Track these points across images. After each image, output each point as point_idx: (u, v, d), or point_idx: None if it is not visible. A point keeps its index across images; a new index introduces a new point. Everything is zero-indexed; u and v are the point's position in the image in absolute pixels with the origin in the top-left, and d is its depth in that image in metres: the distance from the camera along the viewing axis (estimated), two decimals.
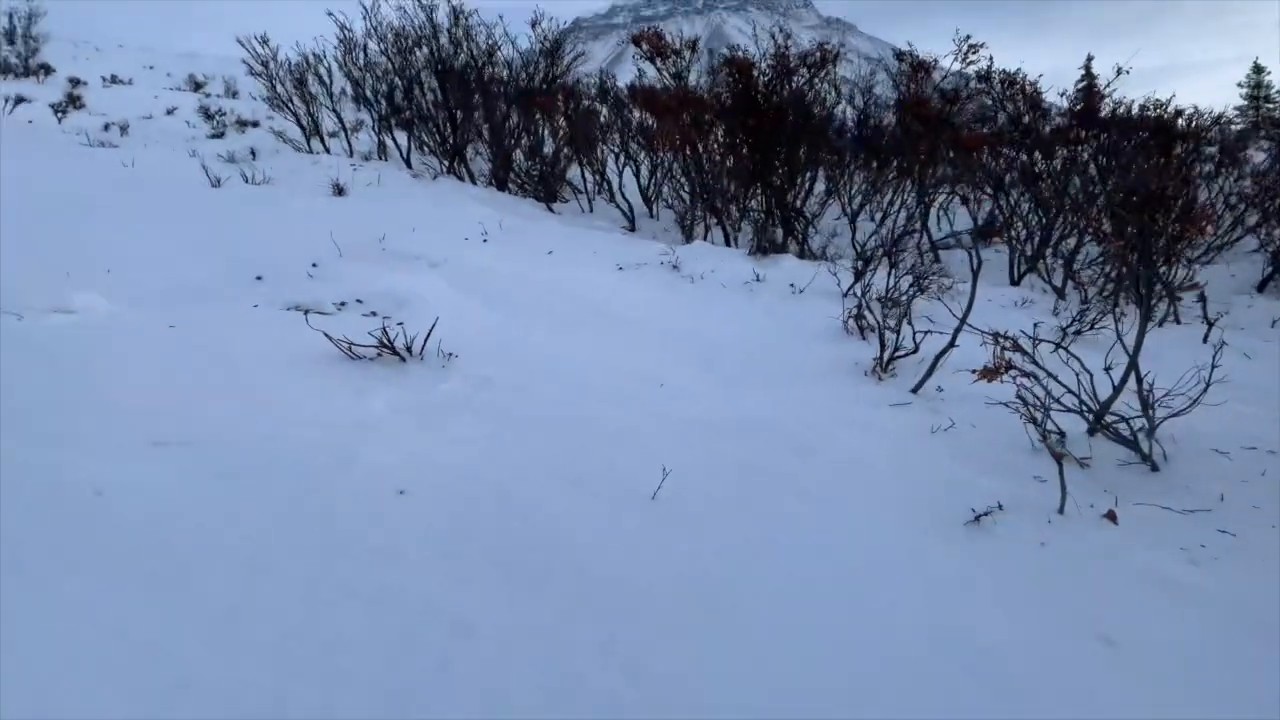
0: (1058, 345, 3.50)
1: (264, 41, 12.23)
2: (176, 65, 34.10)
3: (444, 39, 11.71)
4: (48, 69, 20.29)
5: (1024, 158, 8.57)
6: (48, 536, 2.23)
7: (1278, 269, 7.82)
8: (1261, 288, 7.88)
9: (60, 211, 6.06)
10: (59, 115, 11.84)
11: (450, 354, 3.85)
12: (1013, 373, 3.26)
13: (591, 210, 10.58)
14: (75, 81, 18.35)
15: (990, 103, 9.36)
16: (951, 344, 4.02)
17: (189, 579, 2.17)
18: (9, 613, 1.95)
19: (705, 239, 8.79)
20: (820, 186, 10.06)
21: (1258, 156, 11.91)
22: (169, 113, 16.32)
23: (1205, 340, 5.50)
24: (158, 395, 3.20)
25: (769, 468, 3.13)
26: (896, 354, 4.36)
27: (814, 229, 8.92)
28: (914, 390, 4.08)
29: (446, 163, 11.75)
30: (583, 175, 10.90)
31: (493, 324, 4.57)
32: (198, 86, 24.99)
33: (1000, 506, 2.97)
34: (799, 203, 8.91)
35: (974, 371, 3.24)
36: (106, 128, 11.58)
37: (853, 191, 10.32)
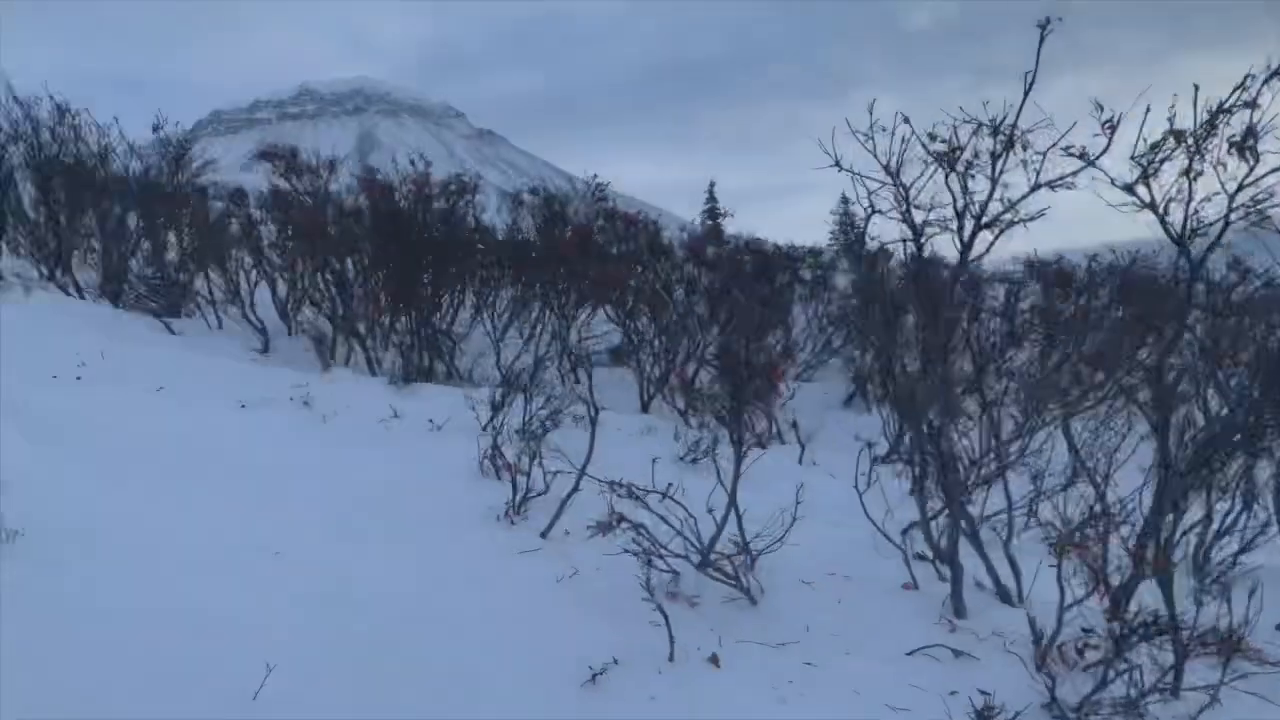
0: (664, 495, 3.74)
1: None
2: None
3: (46, 136, 10.46)
4: None
5: (649, 287, 9.28)
6: None
7: (858, 388, 9.10)
8: (847, 403, 9.11)
9: None
10: None
11: (15, 532, 3.29)
12: (624, 525, 3.41)
13: (221, 327, 9.82)
14: None
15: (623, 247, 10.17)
16: (575, 488, 4.17)
17: None
18: None
19: (348, 364, 8.49)
20: (470, 299, 10.12)
21: (843, 281, 13.82)
22: None
23: (800, 461, 6.20)
24: None
25: (391, 644, 3.01)
26: (529, 495, 4.43)
27: (461, 350, 8.95)
28: (543, 534, 4.15)
29: (48, 270, 10.36)
30: (210, 287, 10.11)
31: (79, 488, 4.01)
32: None
33: (615, 661, 3.06)
34: (447, 324, 8.92)
35: (589, 526, 3.36)
36: None
37: (500, 309, 10.52)
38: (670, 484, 3.85)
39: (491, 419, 5.88)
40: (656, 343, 8.69)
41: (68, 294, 10.04)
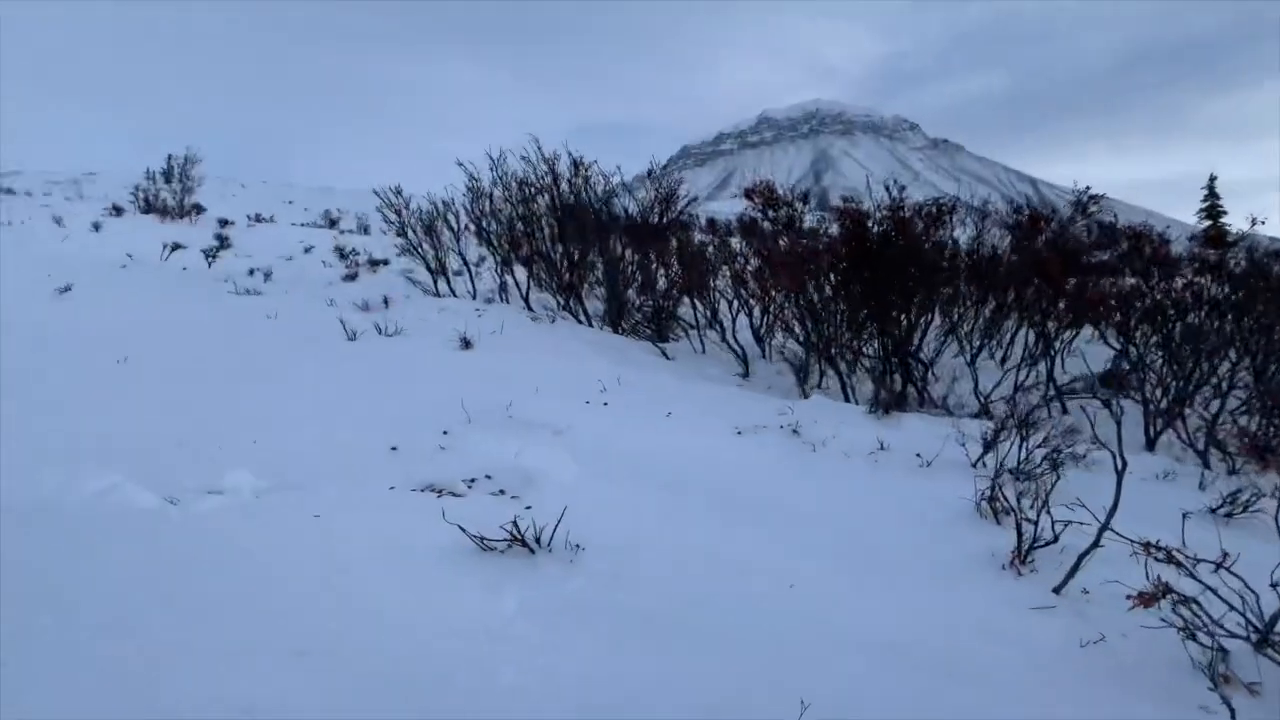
0: (1218, 565, 3.28)
1: (398, 191, 13.07)
2: (313, 200, 36.85)
3: (564, 186, 12.23)
4: (199, 209, 22.00)
5: (1152, 303, 8.28)
6: None
7: None
8: None
9: (213, 372, 6.51)
10: (209, 260, 12.79)
11: (577, 546, 3.87)
12: (1171, 596, 3.07)
13: (704, 350, 10.69)
14: (224, 222, 19.86)
15: (1112, 257, 9.25)
16: (1096, 544, 3.82)
17: None
18: None
19: (820, 386, 8.73)
20: (937, 320, 9.88)
21: None
22: (307, 251, 17.49)
23: None
24: (304, 596, 3.32)
25: (916, 695, 3.00)
26: (1036, 544, 4.16)
27: (934, 375, 8.75)
28: (1057, 590, 3.87)
29: (563, 300, 12.12)
30: (695, 313, 11.07)
31: (617, 505, 4.59)
32: (333, 223, 26.72)
33: None
34: (916, 348, 8.79)
35: (1130, 597, 3.07)
36: (251, 273, 12.45)
37: (969, 330, 10.15)
38: (1225, 553, 3.37)
39: (982, 455, 5.66)
40: (1163, 368, 7.70)
41: (579, 321, 11.65)
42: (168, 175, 24.22)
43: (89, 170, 42.35)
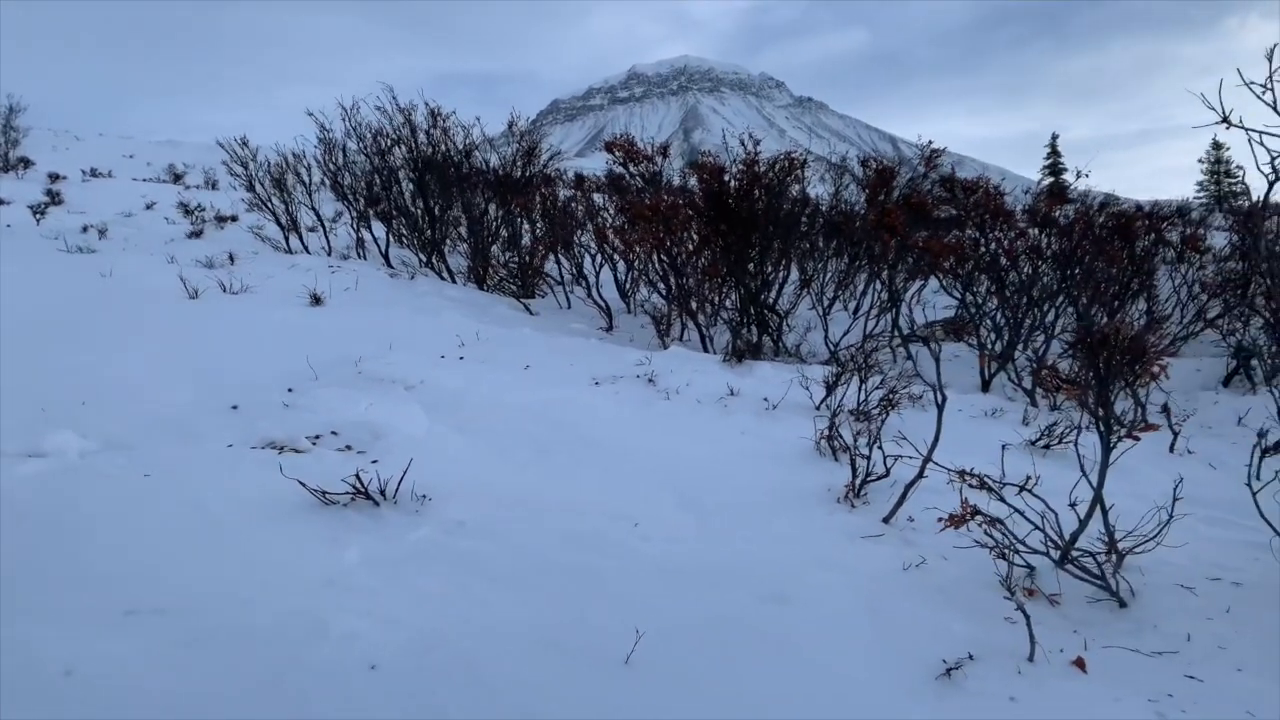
0: (1021, 488, 3.57)
1: (244, 143, 12.47)
2: (156, 154, 34.76)
3: (422, 138, 11.94)
4: (27, 162, 20.45)
5: (988, 255, 8.76)
6: None
7: (1240, 364, 8.00)
8: (1226, 383, 8.06)
9: (38, 333, 6.14)
10: (38, 217, 11.96)
11: (424, 496, 3.89)
12: (978, 518, 3.32)
13: (569, 306, 10.71)
14: (55, 177, 18.59)
15: (955, 212, 9.69)
16: (920, 475, 4.08)
17: None
18: None
19: (682, 339, 8.90)
20: (794, 275, 10.18)
21: (1218, 240, 12.18)
22: (148, 207, 16.57)
23: (1172, 449, 5.62)
24: (132, 556, 3.24)
25: (744, 621, 3.17)
26: (869, 478, 4.41)
27: (788, 325, 9.05)
28: (886, 520, 4.13)
29: (424, 257, 11.89)
30: (560, 269, 11.06)
31: (467, 456, 4.62)
32: (177, 178, 25.40)
33: (971, 656, 3.01)
34: (773, 300, 9.06)
35: (940, 520, 3.30)
36: (85, 230, 11.71)
37: (824, 281, 10.50)
38: (1029, 477, 3.68)
39: (825, 398, 5.93)
40: (998, 315, 8.22)
41: (442, 278, 11.47)
42: None
43: None
